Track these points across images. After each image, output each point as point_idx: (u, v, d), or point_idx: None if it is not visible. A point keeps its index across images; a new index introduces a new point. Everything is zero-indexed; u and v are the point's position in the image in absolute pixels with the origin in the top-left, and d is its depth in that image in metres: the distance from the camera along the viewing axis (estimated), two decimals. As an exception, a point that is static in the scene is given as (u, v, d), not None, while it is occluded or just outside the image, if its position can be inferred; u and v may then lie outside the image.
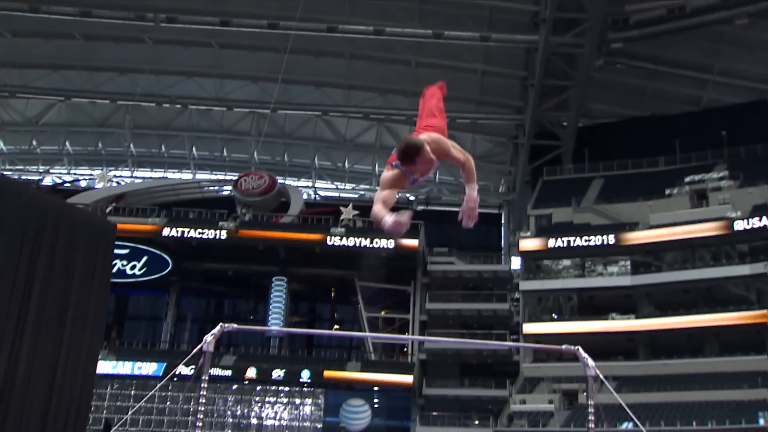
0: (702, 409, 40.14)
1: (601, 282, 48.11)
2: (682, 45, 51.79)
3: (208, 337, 6.68)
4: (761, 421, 38.30)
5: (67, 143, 67.29)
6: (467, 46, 52.17)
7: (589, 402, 7.06)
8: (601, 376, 6.80)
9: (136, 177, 68.47)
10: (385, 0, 50.65)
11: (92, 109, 63.83)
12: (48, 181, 66.22)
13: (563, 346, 8.59)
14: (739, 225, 44.40)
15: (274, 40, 53.07)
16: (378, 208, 5.78)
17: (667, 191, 49.36)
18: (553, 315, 49.44)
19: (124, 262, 48.46)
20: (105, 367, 43.35)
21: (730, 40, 51.52)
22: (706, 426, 38.75)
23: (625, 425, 36.18)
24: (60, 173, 69.08)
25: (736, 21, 47.53)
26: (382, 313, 51.43)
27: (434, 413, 47.78)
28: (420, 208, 60.61)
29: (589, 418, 7.30)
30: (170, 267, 50.01)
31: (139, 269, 49.49)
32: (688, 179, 49.16)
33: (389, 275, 50.32)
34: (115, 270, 41.25)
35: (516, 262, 52.92)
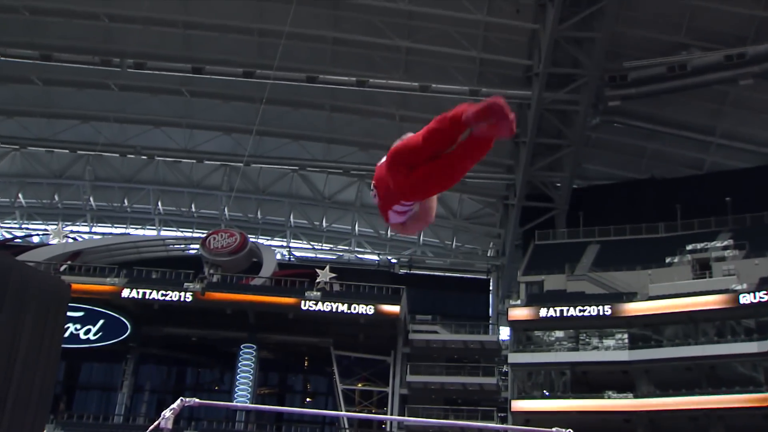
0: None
1: (596, 356, 47.76)
2: (683, 105, 52.50)
3: (167, 413, 6.34)
4: None
5: (20, 195, 66.83)
6: (456, 101, 52.19)
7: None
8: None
9: (94, 233, 67.92)
10: (369, 50, 51.07)
11: (49, 158, 63.54)
12: (-4, 237, 65.48)
13: (554, 430, 8.27)
14: (746, 298, 44.31)
15: (250, 89, 53.31)
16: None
17: (668, 260, 49.43)
18: (545, 391, 48.95)
19: (78, 326, 47.61)
20: (52, 442, 42.34)
21: (733, 102, 52.20)
22: None
23: None
24: (11, 228, 68.42)
25: (740, 81, 48.25)
26: (360, 385, 50.75)
27: (414, 499, 47.03)
28: (402, 271, 60.45)
29: None
30: (129, 332, 49.11)
31: (94, 334, 48.63)
32: (690, 247, 49.26)
33: (368, 344, 49.91)
34: (67, 334, 40.53)
35: (505, 333, 52.55)
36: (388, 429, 49.82)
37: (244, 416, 50.38)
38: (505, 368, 50.68)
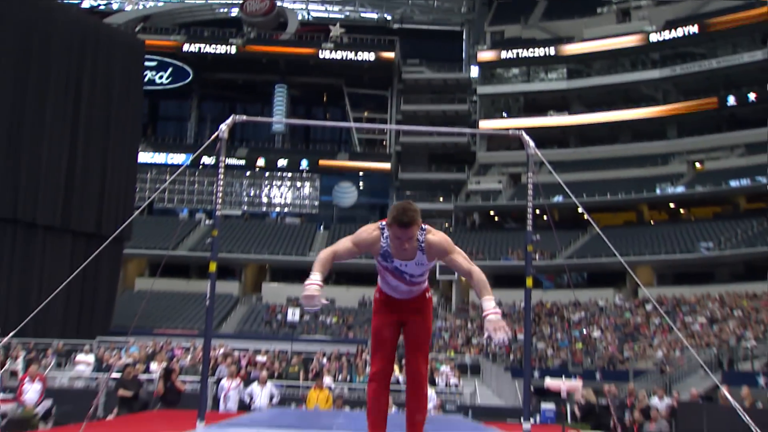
0: (616, 184, 41.51)
1: (542, 86, 47.97)
2: None
3: (223, 126, 6.74)
4: (658, 191, 40.17)
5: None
6: None
7: (530, 175, 7.28)
8: (539, 153, 6.96)
9: (158, 0, 65.41)
10: None
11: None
12: (85, 4, 62.86)
13: (510, 131, 8.72)
14: (654, 37, 44.01)
15: None
16: (321, 258, 3.90)
17: (599, 10, 48.43)
18: (504, 113, 49.58)
19: (153, 73, 47.54)
20: (144, 157, 43.53)
21: None
22: (617, 196, 40.30)
23: (557, 198, 37.34)
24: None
25: None
26: (365, 113, 51.30)
27: (408, 192, 48.91)
28: (396, 26, 58.80)
29: (529, 192, 7.53)
30: (191, 77, 49.20)
31: (166, 78, 48.72)
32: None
33: (371, 82, 49.89)
34: (146, 79, 40.53)
35: (474, 71, 52.22)
36: (387, 144, 50.86)
37: (281, 138, 51.44)
38: (474, 98, 50.82)
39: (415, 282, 4.14)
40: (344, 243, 4.03)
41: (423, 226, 3.96)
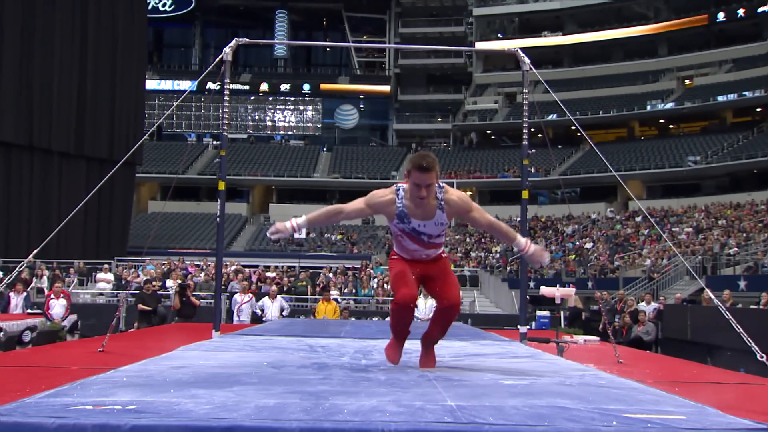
0: (608, 101, 41.17)
1: (536, 7, 46.74)
2: None
3: (227, 49, 6.62)
4: (648, 107, 39.84)
5: None
6: None
7: (525, 92, 7.17)
8: (534, 70, 6.84)
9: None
10: None
11: None
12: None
13: (505, 48, 8.58)
14: (647, -45, 42.62)
15: None
16: (324, 209, 4.04)
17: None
18: (499, 35, 48.50)
19: (156, 0, 46.28)
20: (151, 84, 42.88)
21: None
22: (609, 114, 40.04)
23: (551, 116, 36.97)
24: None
25: None
26: (365, 37, 50.17)
27: (407, 114, 48.48)
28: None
29: (525, 108, 7.46)
30: (193, 4, 48.01)
31: (169, 6, 47.51)
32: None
33: (369, 6, 48.65)
34: (149, 7, 39.53)
35: (470, -6, 50.76)
36: (387, 66, 50.01)
37: (283, 63, 50.59)
38: (471, 19, 49.57)
39: (432, 243, 3.98)
40: (355, 203, 3.98)
41: (440, 184, 3.85)
